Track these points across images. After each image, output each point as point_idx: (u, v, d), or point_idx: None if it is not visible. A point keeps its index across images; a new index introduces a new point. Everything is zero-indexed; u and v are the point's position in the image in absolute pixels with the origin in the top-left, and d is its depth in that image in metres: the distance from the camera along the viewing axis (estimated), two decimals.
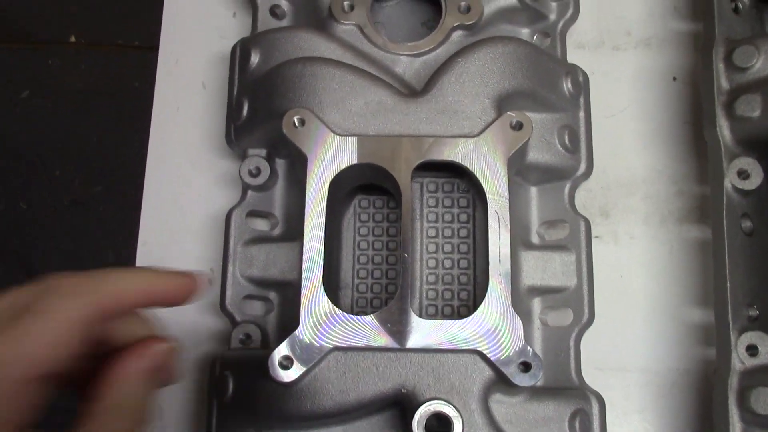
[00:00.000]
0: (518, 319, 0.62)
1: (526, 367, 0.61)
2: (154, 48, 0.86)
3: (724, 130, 0.73)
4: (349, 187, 0.70)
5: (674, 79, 0.84)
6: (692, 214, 0.80)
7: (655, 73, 0.84)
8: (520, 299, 0.71)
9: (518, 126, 0.66)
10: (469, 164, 0.65)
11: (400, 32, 0.80)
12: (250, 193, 0.74)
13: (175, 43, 0.86)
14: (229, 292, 0.71)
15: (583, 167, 0.74)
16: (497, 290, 0.62)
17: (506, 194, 0.64)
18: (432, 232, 0.71)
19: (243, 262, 0.72)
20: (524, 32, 0.79)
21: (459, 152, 0.65)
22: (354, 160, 0.65)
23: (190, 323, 0.78)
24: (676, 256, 0.79)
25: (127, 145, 0.85)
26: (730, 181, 0.72)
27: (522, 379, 0.60)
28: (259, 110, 0.72)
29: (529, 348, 0.61)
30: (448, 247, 0.71)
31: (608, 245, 0.79)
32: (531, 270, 0.72)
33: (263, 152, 0.74)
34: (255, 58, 0.74)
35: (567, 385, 0.70)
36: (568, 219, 0.74)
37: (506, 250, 0.63)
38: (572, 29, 0.83)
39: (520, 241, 0.72)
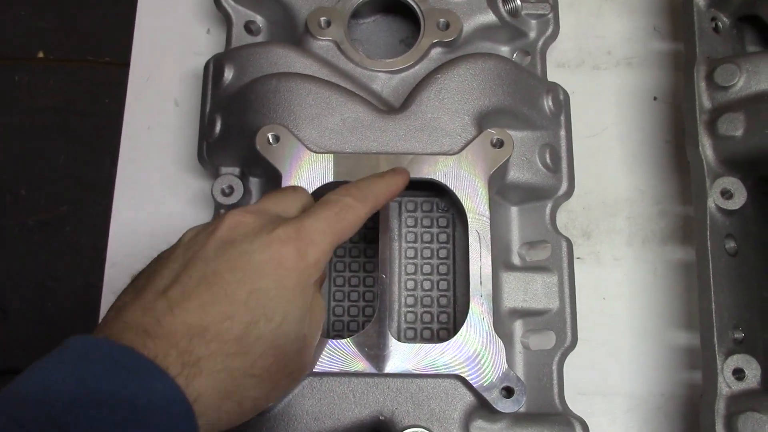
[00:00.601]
0: (500, 342, 0.60)
1: (508, 392, 0.58)
2: (125, 64, 0.84)
3: (706, 149, 0.72)
4: None
5: (655, 98, 0.83)
6: (675, 235, 0.79)
7: (636, 92, 0.83)
8: (501, 322, 0.69)
9: (499, 144, 0.64)
10: (449, 183, 0.63)
11: (377, 49, 0.78)
12: (222, 213, 0.72)
13: (147, 59, 0.84)
14: None
15: (564, 186, 0.73)
16: (478, 313, 0.60)
17: (487, 213, 0.62)
18: (411, 253, 0.69)
19: None
20: (504, 50, 0.77)
21: (439, 170, 0.64)
22: (330, 178, 0.63)
23: None
24: (659, 278, 0.77)
25: (96, 163, 0.82)
26: (714, 201, 0.71)
27: (505, 405, 0.58)
28: (233, 127, 0.70)
29: (512, 373, 0.59)
30: (427, 268, 0.69)
31: (591, 266, 0.78)
32: (512, 292, 0.70)
33: (236, 170, 0.72)
34: (229, 74, 0.72)
35: (550, 411, 0.68)
36: (550, 239, 0.72)
37: (487, 271, 0.61)
38: (552, 48, 0.82)
39: (501, 262, 0.70)
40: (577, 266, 0.76)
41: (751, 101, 0.71)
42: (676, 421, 0.73)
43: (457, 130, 0.65)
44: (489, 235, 0.61)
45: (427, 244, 0.70)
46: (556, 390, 0.69)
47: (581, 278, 0.75)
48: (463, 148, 0.64)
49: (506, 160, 0.64)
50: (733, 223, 0.72)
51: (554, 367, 0.69)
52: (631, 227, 0.79)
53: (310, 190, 0.62)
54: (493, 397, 0.58)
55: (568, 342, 0.69)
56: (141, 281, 0.50)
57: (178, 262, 0.49)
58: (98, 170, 0.81)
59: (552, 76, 0.80)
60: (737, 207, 0.71)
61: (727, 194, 0.71)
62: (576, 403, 0.72)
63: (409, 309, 0.68)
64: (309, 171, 0.63)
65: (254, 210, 0.52)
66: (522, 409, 0.67)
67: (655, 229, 0.79)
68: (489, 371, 0.59)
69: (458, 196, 0.63)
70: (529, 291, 0.70)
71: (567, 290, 0.70)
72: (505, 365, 0.59)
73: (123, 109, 0.82)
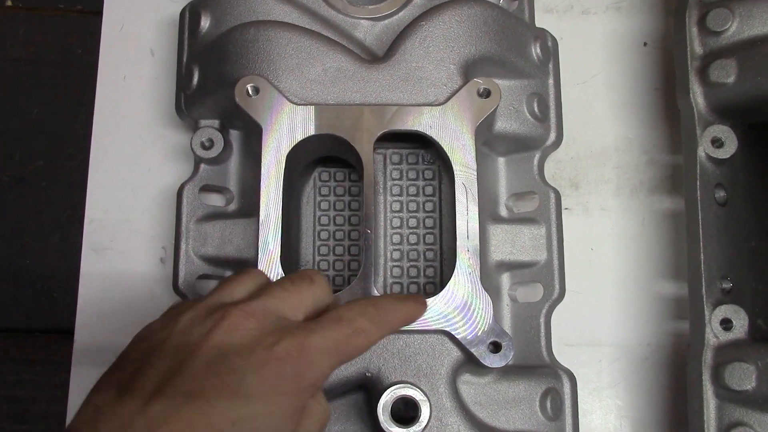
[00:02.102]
0: (488, 296, 0.59)
1: (496, 347, 0.58)
2: (98, 12, 0.80)
3: (697, 96, 0.70)
4: (307, 159, 0.67)
5: (645, 44, 0.81)
6: (664, 184, 0.77)
7: (626, 38, 0.81)
8: (488, 275, 0.68)
9: (486, 93, 0.62)
10: (435, 134, 0.62)
11: None
12: (202, 166, 0.70)
13: (120, 7, 0.81)
14: (182, 273, 0.67)
15: (552, 137, 0.71)
16: (465, 267, 0.59)
17: (474, 165, 0.61)
18: (396, 206, 0.68)
19: (196, 240, 0.67)
20: None
21: (424, 121, 0.62)
22: (312, 131, 0.61)
23: (141, 305, 0.74)
24: (648, 228, 0.76)
25: (71, 117, 0.79)
26: (704, 149, 0.70)
27: (492, 360, 0.57)
28: (210, 78, 0.67)
29: (499, 327, 0.58)
30: (413, 222, 0.68)
31: (578, 217, 0.77)
32: (499, 244, 0.69)
33: (216, 123, 0.70)
34: (205, 23, 0.69)
35: (537, 363, 0.68)
36: (538, 190, 0.71)
37: (474, 224, 0.60)
38: None
39: (488, 214, 0.69)
40: (565, 216, 0.75)
41: (744, 47, 0.69)
42: (663, 371, 0.73)
43: (442, 80, 0.63)
44: (476, 188, 0.60)
45: (412, 197, 0.68)
46: (543, 342, 0.68)
47: (569, 229, 0.74)
48: (448, 99, 0.62)
49: (493, 110, 0.62)
50: (723, 172, 0.71)
51: (542, 320, 0.68)
52: (619, 177, 0.78)
53: (292, 144, 0.60)
54: (481, 352, 0.57)
55: (555, 294, 0.69)
56: (125, 375, 0.45)
57: (166, 363, 0.44)
58: (73, 123, 0.79)
59: (540, 21, 0.78)
60: (728, 156, 0.69)
61: (717, 143, 0.69)
62: (563, 355, 0.72)
63: (395, 263, 0.67)
64: (290, 123, 0.61)
65: (258, 312, 0.47)
66: (510, 362, 0.67)
67: (643, 178, 0.78)
68: (476, 326, 0.58)
69: (444, 148, 0.61)
70: (516, 243, 0.69)
71: (555, 242, 0.69)
72: (493, 319, 0.58)
73: (97, 60, 0.79)
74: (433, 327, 0.58)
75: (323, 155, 0.66)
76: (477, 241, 0.59)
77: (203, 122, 0.70)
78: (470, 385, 0.62)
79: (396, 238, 0.67)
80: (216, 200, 0.71)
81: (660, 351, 0.73)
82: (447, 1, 0.67)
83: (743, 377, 0.63)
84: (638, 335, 0.74)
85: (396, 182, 0.68)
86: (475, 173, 0.61)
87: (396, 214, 0.68)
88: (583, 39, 0.81)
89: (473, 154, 0.61)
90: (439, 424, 0.57)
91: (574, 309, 0.74)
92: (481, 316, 0.58)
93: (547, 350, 0.68)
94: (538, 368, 0.66)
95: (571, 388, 0.66)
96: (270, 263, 0.58)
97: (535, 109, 0.70)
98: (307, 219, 0.69)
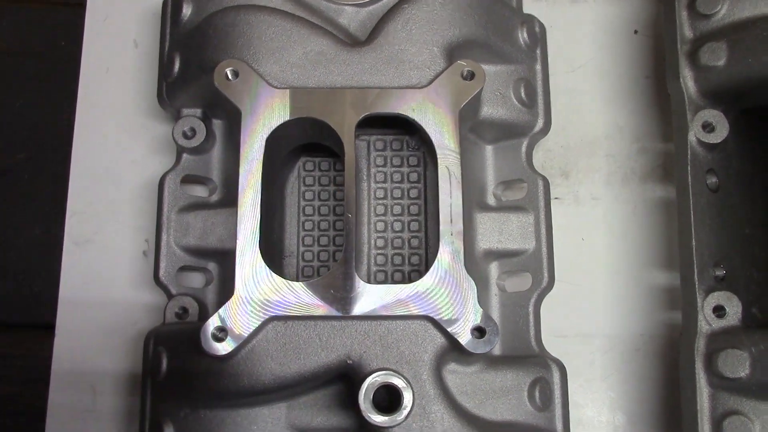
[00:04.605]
0: (472, 282, 0.57)
1: (480, 332, 0.56)
2: (81, 4, 0.80)
3: (687, 81, 0.69)
4: (290, 146, 0.65)
5: (635, 32, 0.80)
6: (655, 172, 0.76)
7: (616, 25, 0.80)
8: (475, 263, 0.67)
9: (470, 76, 0.61)
10: (418, 117, 0.60)
11: None
12: (185, 156, 0.69)
13: None
14: (163, 264, 0.66)
15: (540, 123, 0.70)
16: (449, 251, 0.58)
17: (457, 149, 0.60)
18: (380, 193, 0.67)
19: (178, 231, 0.66)
20: None
21: (406, 104, 0.61)
22: (292, 115, 0.60)
23: (123, 299, 0.73)
24: (639, 217, 0.75)
25: (54, 108, 0.78)
26: (695, 134, 0.68)
27: (476, 346, 0.56)
28: (192, 64, 0.66)
29: (484, 312, 0.57)
30: (397, 209, 0.66)
31: (569, 206, 0.75)
32: (487, 232, 0.67)
33: (198, 112, 0.69)
34: (187, 10, 0.68)
35: (526, 353, 0.66)
36: (526, 178, 0.69)
37: (458, 209, 0.59)
38: None
39: (475, 202, 0.68)
40: (555, 206, 0.74)
41: (734, 29, 0.67)
42: (656, 362, 0.71)
43: (425, 63, 0.62)
44: (459, 172, 0.59)
45: (397, 184, 0.67)
46: (532, 332, 0.67)
47: (559, 218, 0.73)
48: (431, 81, 0.61)
49: (477, 92, 0.61)
50: (714, 157, 0.70)
51: (530, 309, 0.67)
52: (610, 165, 0.76)
53: (271, 128, 0.59)
54: (465, 338, 0.56)
55: (544, 283, 0.67)
56: None
57: None
58: (56, 115, 0.78)
59: (529, 8, 0.77)
60: (719, 140, 0.68)
61: (708, 127, 0.68)
62: (554, 346, 0.70)
63: (380, 251, 0.66)
64: (269, 107, 0.60)
65: None
66: (497, 352, 0.66)
67: (634, 166, 0.76)
68: (460, 311, 0.56)
69: (427, 131, 0.60)
70: (504, 231, 0.67)
71: (543, 230, 0.68)
72: (477, 305, 0.57)
73: (80, 51, 0.78)
74: (416, 313, 0.56)
75: (306, 141, 0.65)
76: (461, 225, 0.58)
77: (185, 111, 0.69)
78: (456, 375, 0.60)
79: (380, 226, 0.66)
80: (199, 191, 0.70)
81: (653, 341, 0.71)
82: None
83: (737, 365, 0.61)
84: (630, 326, 0.72)
85: (380, 169, 0.67)
86: (459, 157, 0.59)
87: (380, 201, 0.66)
88: (573, 27, 0.80)
89: (456, 137, 0.60)
90: (422, 411, 0.55)
91: (565, 299, 0.73)
92: (464, 302, 0.56)
93: (536, 340, 0.67)
94: (527, 358, 0.65)
95: (561, 378, 0.64)
96: (250, 251, 0.57)
97: (522, 95, 0.68)
98: (291, 209, 0.68)
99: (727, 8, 0.68)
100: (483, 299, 0.67)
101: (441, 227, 0.58)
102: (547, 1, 0.80)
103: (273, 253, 0.65)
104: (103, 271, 0.73)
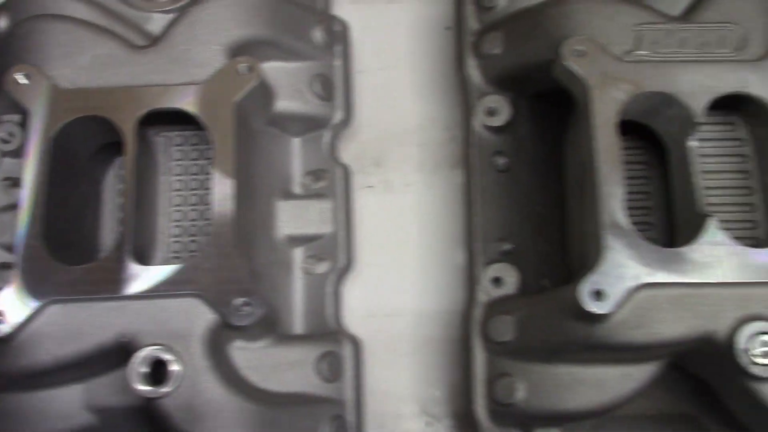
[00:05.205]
0: (242, 260, 0.61)
1: (245, 305, 0.60)
2: None
3: (471, 69, 0.74)
4: (89, 146, 0.69)
5: (447, 28, 0.84)
6: (465, 160, 0.80)
7: (429, 23, 0.84)
8: (275, 249, 0.71)
9: (246, 71, 0.66)
10: (197, 110, 0.65)
11: None
12: (6, 159, 0.73)
13: None
14: None
15: (340, 115, 0.74)
16: (218, 232, 0.62)
17: (231, 140, 0.64)
18: (177, 185, 0.71)
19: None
20: None
21: (185, 99, 0.65)
22: (77, 113, 0.64)
23: None
24: (448, 201, 0.79)
25: None
26: (479, 119, 0.73)
27: (240, 319, 0.60)
28: (2, 74, 0.71)
29: (250, 286, 0.61)
30: (194, 199, 0.71)
31: (382, 194, 0.80)
32: (288, 219, 0.72)
33: (16, 117, 0.73)
34: (4, 23, 0.72)
35: (324, 331, 0.70)
36: (328, 167, 0.74)
37: (226, 193, 0.62)
38: None
39: (277, 191, 0.72)
40: (369, 194, 0.78)
41: (511, 19, 0.72)
42: (456, 336, 0.75)
43: (207, 60, 0.66)
44: (231, 160, 0.63)
45: (193, 176, 0.71)
46: (332, 311, 0.71)
47: (373, 206, 0.78)
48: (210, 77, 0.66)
49: (254, 86, 0.65)
50: (504, 140, 0.74)
51: (329, 289, 0.71)
52: (422, 154, 0.81)
53: (57, 127, 0.64)
54: (230, 312, 0.60)
55: (342, 264, 0.72)
56: None
57: None
58: None
59: (346, 10, 0.82)
60: (502, 123, 0.73)
61: (492, 111, 0.73)
62: (364, 325, 0.74)
63: (176, 239, 0.70)
64: (55, 107, 0.64)
65: None
66: (299, 330, 0.70)
67: (446, 154, 0.81)
68: (225, 287, 0.60)
69: (205, 123, 0.64)
70: (303, 217, 0.72)
71: (342, 215, 0.72)
72: (246, 280, 0.61)
73: None
74: (186, 291, 0.60)
75: (106, 141, 0.69)
76: (229, 208, 0.62)
77: (5, 117, 0.73)
78: (244, 351, 0.64)
79: (177, 215, 0.70)
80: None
81: (456, 317, 0.75)
82: None
83: (504, 329, 0.65)
84: (437, 303, 0.76)
85: (177, 162, 0.71)
86: (233, 147, 0.63)
87: (177, 193, 0.70)
88: (389, 26, 0.84)
89: (232, 128, 0.64)
90: (192, 383, 0.59)
91: (377, 281, 0.77)
92: (231, 278, 0.60)
93: (336, 318, 0.71)
94: (319, 335, 0.69)
95: (354, 352, 0.68)
96: (28, 240, 0.61)
97: (320, 89, 0.73)
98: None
99: (507, 0, 0.73)
100: (286, 282, 0.72)
101: (214, 212, 0.62)
102: (364, 2, 0.85)
103: (83, 246, 0.69)
104: None
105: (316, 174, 0.75)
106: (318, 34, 0.74)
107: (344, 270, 0.72)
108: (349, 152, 0.80)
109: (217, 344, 0.61)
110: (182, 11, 0.69)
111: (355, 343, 0.69)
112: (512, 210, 0.73)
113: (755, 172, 0.68)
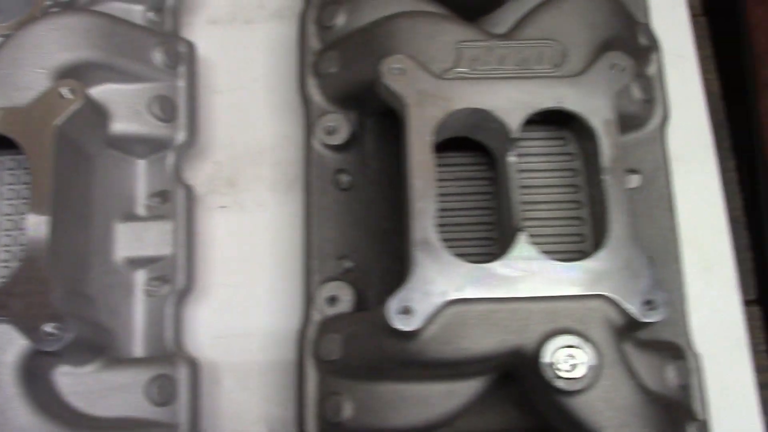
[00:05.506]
0: (54, 285, 0.61)
1: (55, 330, 0.59)
2: None
3: (311, 88, 0.74)
4: None
5: None
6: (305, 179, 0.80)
7: (288, 43, 0.84)
8: (115, 272, 0.71)
9: (69, 94, 0.65)
10: (18, 136, 0.64)
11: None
12: None
13: None
14: None
15: (182, 136, 0.74)
16: (31, 257, 0.61)
17: (50, 164, 0.63)
18: (8, 209, 0.70)
19: None
20: (136, 9, 0.78)
21: (7, 124, 0.64)
22: None
23: None
24: (301, 220, 0.79)
25: None
26: (318, 137, 0.73)
27: (48, 344, 0.59)
28: None
29: (57, 312, 0.60)
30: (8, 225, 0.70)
31: (235, 214, 0.79)
32: (127, 242, 0.71)
33: None
34: None
35: (162, 354, 0.69)
36: (170, 188, 0.74)
37: (41, 220, 0.62)
38: (205, 4, 0.85)
39: (118, 213, 0.72)
40: (222, 214, 0.78)
41: (346, 38, 0.73)
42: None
43: (30, 84, 0.66)
44: (48, 183, 0.62)
45: (25, 200, 0.71)
46: (171, 333, 0.70)
47: (225, 226, 0.78)
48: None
49: (77, 109, 0.65)
50: (346, 158, 0.74)
51: (169, 311, 0.71)
52: (275, 173, 0.81)
53: None
54: (39, 337, 0.59)
55: (180, 286, 0.71)
56: None
57: None
58: None
59: (204, 32, 0.82)
60: (341, 142, 0.73)
61: (331, 130, 0.73)
62: (214, 347, 0.74)
63: (4, 264, 0.69)
64: None
65: None
66: (139, 354, 0.70)
67: (299, 173, 0.80)
68: (36, 313, 0.60)
69: (24, 147, 0.64)
70: (144, 239, 0.72)
71: (182, 236, 0.72)
72: (56, 305, 0.60)
73: None
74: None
75: None
76: (41, 235, 0.61)
77: None
78: (69, 376, 0.64)
79: (6, 240, 0.69)
80: None
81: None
82: (54, 12, 0.71)
83: (332, 348, 0.65)
84: (288, 322, 0.76)
85: (9, 187, 0.71)
86: (50, 171, 0.63)
87: (7, 217, 0.70)
88: (247, 46, 0.85)
89: (51, 152, 0.63)
90: (1, 410, 0.58)
91: (229, 303, 0.76)
92: (39, 304, 0.60)
93: (174, 340, 0.70)
94: (152, 358, 0.68)
95: (190, 374, 0.68)
96: None
97: (159, 111, 0.73)
98: None
99: (345, 19, 0.74)
100: (126, 305, 0.71)
101: (27, 239, 0.62)
102: (221, 24, 0.85)
103: None
104: None
105: (162, 195, 0.74)
106: (158, 56, 0.74)
107: (184, 292, 0.72)
108: (203, 173, 0.80)
109: (31, 371, 0.61)
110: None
111: (193, 366, 0.68)
112: (355, 228, 0.73)
113: (584, 186, 0.68)
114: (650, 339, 0.68)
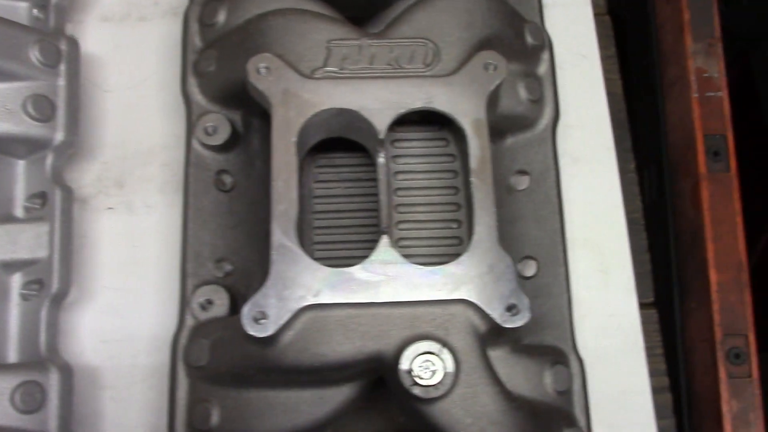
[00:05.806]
0: None
1: None
2: None
3: (191, 87, 0.73)
4: None
5: None
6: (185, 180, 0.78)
7: (179, 42, 0.83)
8: None
9: None
10: None
11: None
12: None
13: None
14: None
15: (61, 136, 0.72)
16: None
17: None
18: None
19: None
20: (22, 5, 0.76)
21: None
22: None
23: None
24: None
25: None
26: (197, 137, 0.72)
27: None
28: None
29: None
30: None
31: (122, 215, 0.78)
32: (1, 244, 0.69)
33: None
34: None
35: (35, 359, 0.68)
36: (48, 189, 0.72)
37: None
38: (98, 1, 0.83)
39: None
40: (109, 216, 0.77)
41: (224, 36, 0.71)
42: None
43: None
44: None
45: None
46: (43, 338, 0.68)
47: (113, 228, 0.76)
48: None
49: None
50: (229, 159, 0.73)
51: (42, 315, 0.69)
52: (165, 174, 0.79)
53: None
54: None
55: (55, 289, 0.69)
56: None
57: None
58: None
59: (96, 30, 0.81)
60: (221, 142, 0.72)
61: (210, 130, 0.72)
62: (99, 351, 0.73)
63: None
64: None
65: None
66: (13, 360, 0.68)
67: None
68: None
69: None
70: (19, 242, 0.70)
71: (58, 238, 0.70)
72: None
73: None
74: None
75: None
76: None
77: None
78: None
79: None
80: None
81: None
82: None
83: (201, 354, 0.64)
84: (170, 328, 0.74)
85: None
86: None
87: None
88: (140, 44, 0.83)
89: None
90: None
91: (114, 305, 0.75)
92: None
93: (47, 345, 0.68)
94: (20, 364, 0.66)
95: (61, 380, 0.66)
96: None
97: (32, 110, 0.71)
98: None
99: (226, 17, 0.72)
100: (1, 309, 0.69)
101: None
102: (114, 21, 0.83)
103: None
104: None
105: (42, 197, 0.72)
106: (35, 54, 0.72)
107: (60, 295, 0.70)
108: (91, 173, 0.78)
109: None
110: None
111: (65, 371, 0.67)
112: (236, 230, 0.71)
113: (463, 189, 0.67)
114: (533, 344, 0.67)
